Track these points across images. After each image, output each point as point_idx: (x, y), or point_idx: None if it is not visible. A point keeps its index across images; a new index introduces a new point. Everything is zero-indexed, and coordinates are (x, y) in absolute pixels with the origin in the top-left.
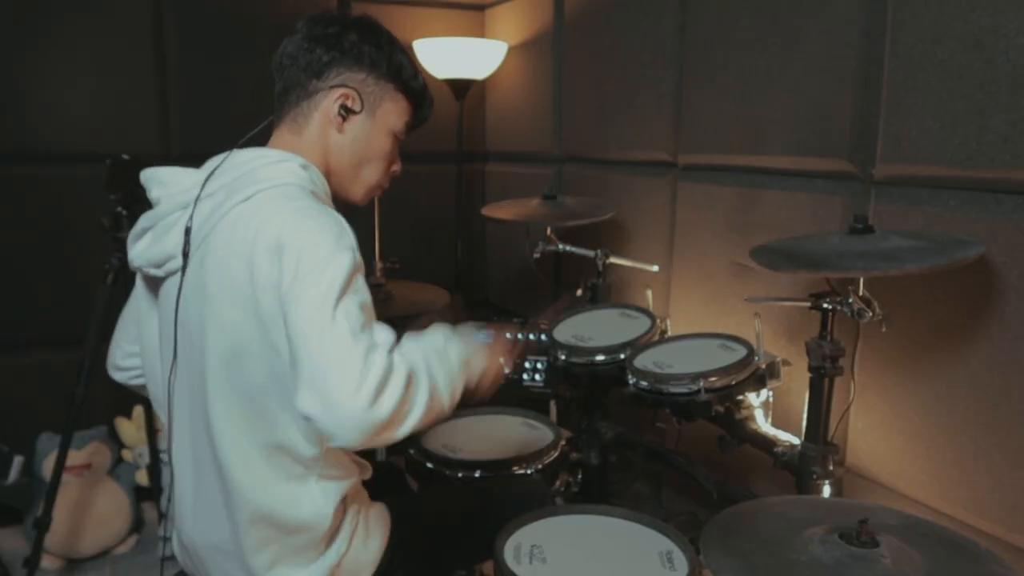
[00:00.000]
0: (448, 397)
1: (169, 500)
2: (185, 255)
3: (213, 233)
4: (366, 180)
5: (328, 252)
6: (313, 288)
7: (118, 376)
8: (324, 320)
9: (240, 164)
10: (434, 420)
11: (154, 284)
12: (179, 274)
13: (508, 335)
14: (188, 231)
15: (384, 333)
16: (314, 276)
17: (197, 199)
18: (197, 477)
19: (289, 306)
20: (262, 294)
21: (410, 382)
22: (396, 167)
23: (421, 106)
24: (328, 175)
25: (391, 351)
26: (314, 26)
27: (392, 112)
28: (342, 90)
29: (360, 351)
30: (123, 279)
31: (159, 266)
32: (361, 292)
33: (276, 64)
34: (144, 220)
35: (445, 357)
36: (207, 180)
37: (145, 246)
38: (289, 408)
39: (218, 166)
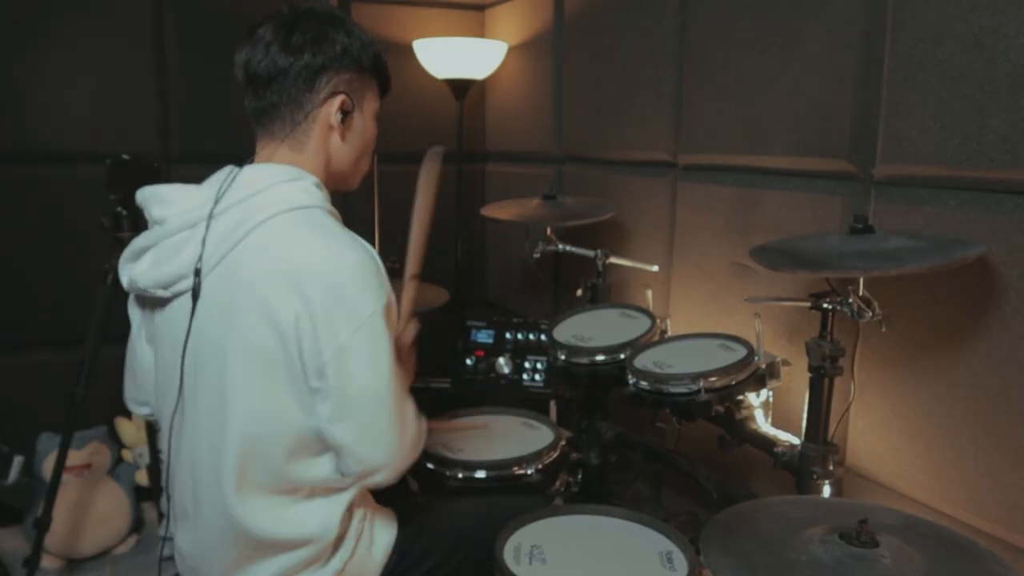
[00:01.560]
0: None
1: (167, 517)
2: (195, 288)
3: (233, 255)
4: (362, 169)
5: (374, 300)
6: (367, 343)
7: (141, 411)
8: (382, 379)
9: (252, 182)
10: None
11: (152, 306)
12: (186, 297)
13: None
14: (198, 266)
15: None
16: (367, 329)
17: (210, 217)
18: (197, 501)
19: (341, 356)
20: (302, 328)
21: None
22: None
23: (387, 80)
24: (329, 177)
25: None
26: (289, 34)
27: (372, 98)
28: (340, 98)
29: (407, 405)
30: None
31: (167, 287)
32: (390, 335)
33: (252, 77)
34: (143, 240)
35: None
36: (218, 199)
37: (148, 266)
38: (303, 443)
39: (225, 183)
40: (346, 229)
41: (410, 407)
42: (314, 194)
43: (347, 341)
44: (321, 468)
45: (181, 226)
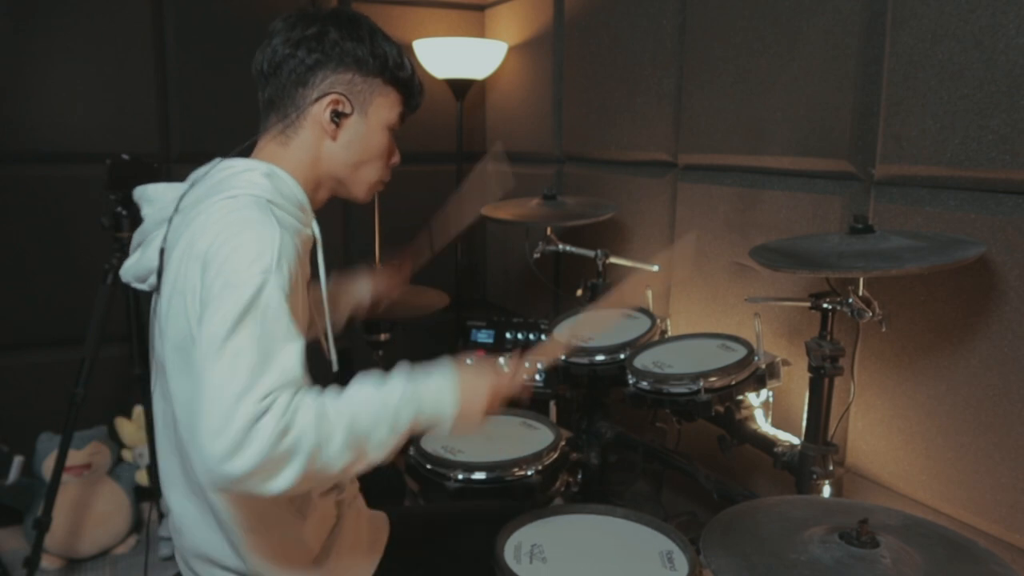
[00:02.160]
0: (343, 464)
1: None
2: (159, 270)
3: (175, 246)
4: (367, 179)
5: (234, 277)
6: (212, 316)
7: None
8: (211, 356)
9: (212, 176)
10: (325, 481)
11: (147, 298)
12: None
13: (501, 369)
14: (163, 247)
15: (274, 376)
16: (215, 304)
17: (176, 211)
18: (176, 486)
19: (195, 331)
20: (191, 307)
21: (282, 437)
22: (395, 159)
23: (412, 94)
24: (321, 181)
25: (274, 398)
26: (291, 28)
27: (384, 107)
28: (331, 97)
29: (233, 395)
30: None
31: (142, 281)
32: (262, 322)
33: (258, 71)
34: (136, 236)
35: (370, 420)
36: (184, 195)
37: (133, 262)
38: None
39: (197, 180)
40: (264, 218)
41: (241, 414)
42: (258, 184)
43: (202, 314)
44: None
45: (157, 223)
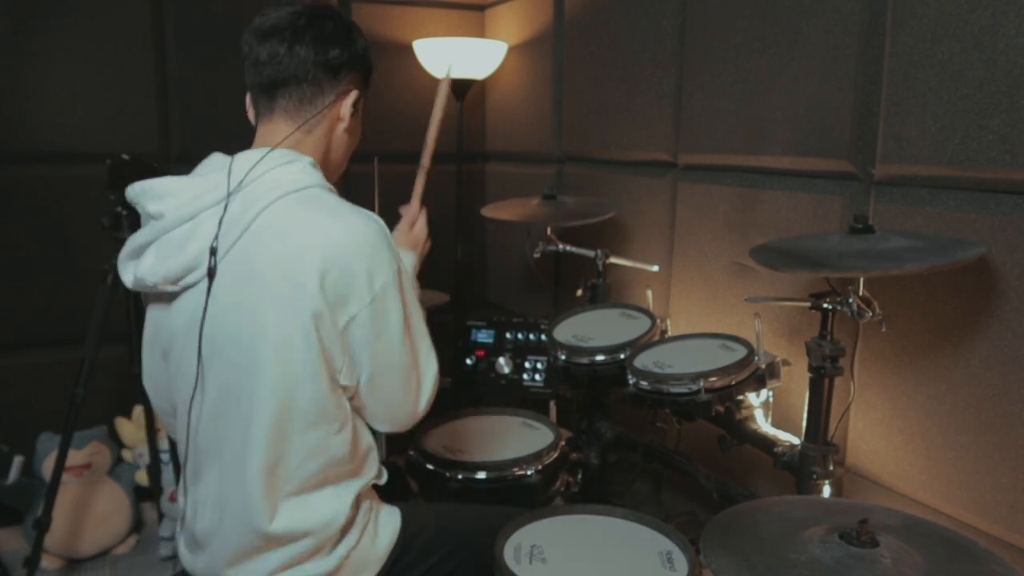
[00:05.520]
0: None
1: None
2: (211, 268)
3: (241, 244)
4: (345, 164)
5: (385, 272)
6: (380, 314)
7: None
8: (394, 347)
9: (248, 168)
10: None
11: (158, 301)
12: (197, 288)
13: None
14: (214, 245)
15: (430, 344)
16: (379, 302)
17: (226, 207)
18: (222, 492)
19: (353, 328)
20: (319, 316)
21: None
22: None
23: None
24: (326, 167)
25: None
26: (321, 23)
27: (360, 98)
28: (356, 93)
29: (419, 368)
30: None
31: (175, 282)
32: (410, 292)
33: (271, 53)
34: (142, 236)
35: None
36: (232, 190)
37: (153, 262)
38: (325, 420)
39: (234, 172)
40: (347, 203)
41: (425, 368)
42: (311, 174)
43: (358, 313)
44: (340, 446)
45: (180, 219)
